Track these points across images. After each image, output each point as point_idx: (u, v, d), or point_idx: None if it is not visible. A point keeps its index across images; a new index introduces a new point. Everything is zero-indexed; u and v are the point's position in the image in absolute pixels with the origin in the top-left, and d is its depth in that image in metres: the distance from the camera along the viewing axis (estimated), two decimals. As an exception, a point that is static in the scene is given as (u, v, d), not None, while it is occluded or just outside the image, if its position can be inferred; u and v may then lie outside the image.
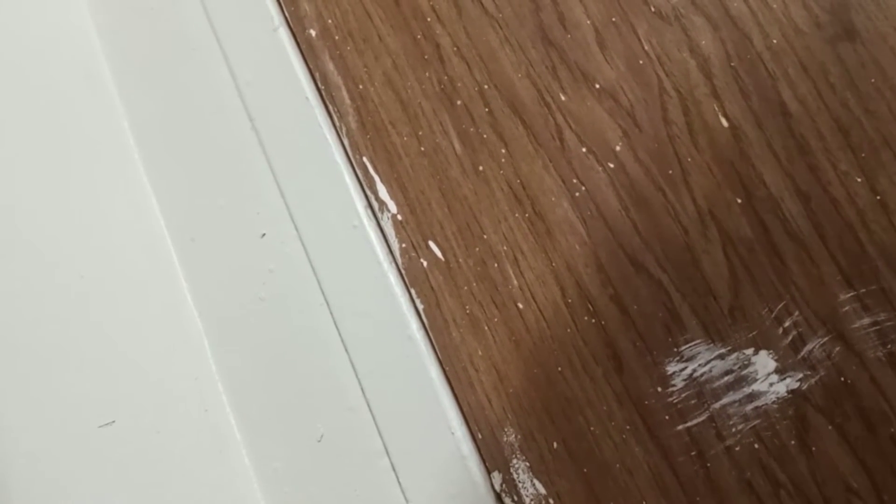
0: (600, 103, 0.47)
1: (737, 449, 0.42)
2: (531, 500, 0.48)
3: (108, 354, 0.58)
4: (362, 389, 0.54)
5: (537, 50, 0.49)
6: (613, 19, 0.47)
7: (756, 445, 0.42)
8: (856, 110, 0.41)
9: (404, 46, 0.54)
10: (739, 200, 0.43)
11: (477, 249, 0.51)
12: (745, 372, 0.42)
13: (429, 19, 0.53)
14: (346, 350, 0.55)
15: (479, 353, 0.50)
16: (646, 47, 0.46)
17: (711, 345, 0.43)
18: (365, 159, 0.55)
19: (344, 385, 0.55)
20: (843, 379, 0.40)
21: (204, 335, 0.64)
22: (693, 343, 0.44)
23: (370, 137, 0.55)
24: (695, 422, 0.43)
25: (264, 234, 0.59)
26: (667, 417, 0.44)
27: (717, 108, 0.44)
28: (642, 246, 0.45)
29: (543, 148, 0.49)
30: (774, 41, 0.42)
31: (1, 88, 0.61)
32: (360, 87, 0.56)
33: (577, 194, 0.47)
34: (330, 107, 0.57)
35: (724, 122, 0.43)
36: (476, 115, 0.51)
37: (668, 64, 0.45)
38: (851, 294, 0.40)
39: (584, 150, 0.47)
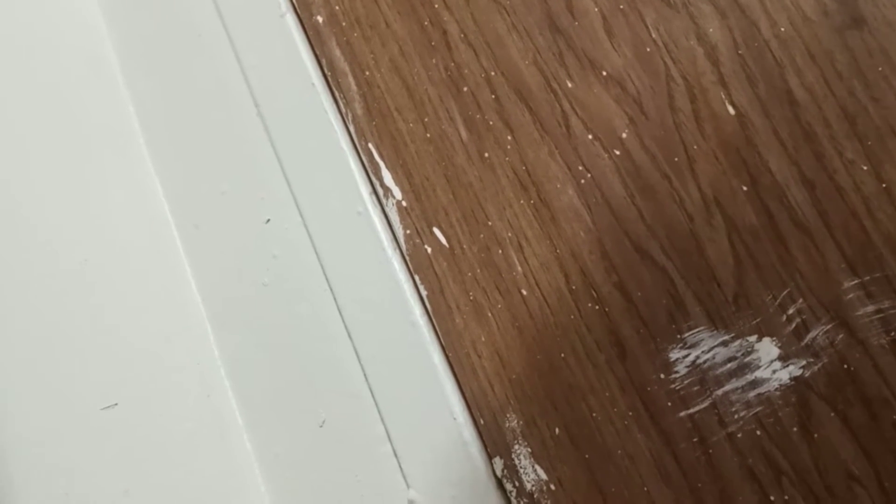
0: (607, 90, 0.47)
1: (739, 436, 0.42)
2: (532, 485, 0.48)
3: (112, 338, 0.58)
4: (365, 375, 0.54)
5: (544, 37, 0.49)
6: (621, 7, 0.47)
7: (758, 432, 0.42)
8: (862, 98, 0.41)
9: (411, 33, 0.54)
10: (745, 188, 0.43)
11: (481, 236, 0.51)
12: (748, 359, 0.42)
13: (436, 6, 0.53)
14: (349, 336, 0.55)
15: (483, 339, 0.50)
16: (653, 35, 0.46)
17: (715, 332, 0.43)
18: (370, 145, 0.55)
19: (346, 371, 0.55)
20: (846, 366, 0.40)
21: (207, 320, 0.64)
22: (696, 330, 0.44)
23: (376, 124, 0.55)
24: (697, 408, 0.44)
25: (269, 220, 0.60)
26: (669, 404, 0.44)
27: (723, 96, 0.44)
28: (647, 233, 0.45)
29: (549, 135, 0.49)
30: (782, 29, 0.43)
31: (7, 73, 0.61)
32: (367, 73, 0.56)
33: (583, 181, 0.47)
34: (336, 93, 0.57)
35: (731, 110, 0.43)
36: (482, 101, 0.51)
37: (676, 51, 0.45)
38: (856, 282, 0.40)
39: (590, 136, 0.47)
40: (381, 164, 0.55)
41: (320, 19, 0.58)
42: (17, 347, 0.52)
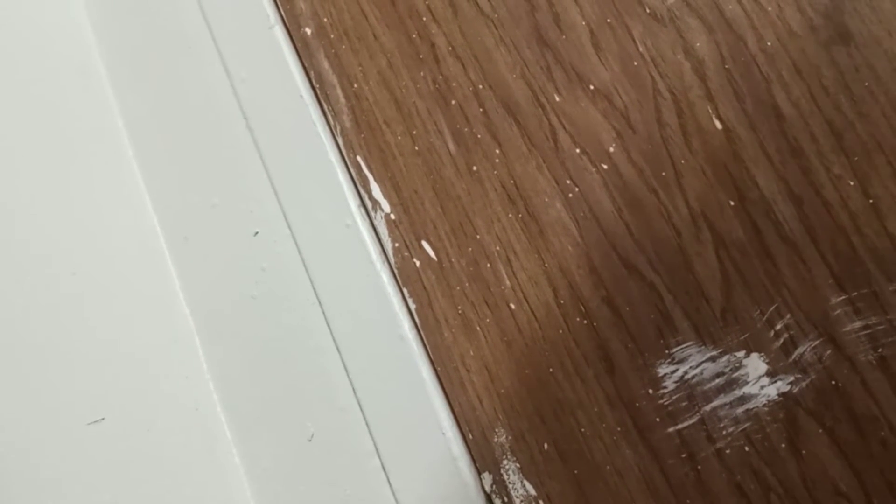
0: (594, 104, 0.47)
1: (727, 452, 0.42)
2: (521, 501, 0.48)
3: (100, 351, 0.57)
4: (353, 389, 0.54)
5: (532, 50, 0.49)
6: (608, 20, 0.47)
7: (746, 448, 0.42)
8: (849, 113, 0.41)
9: (399, 46, 0.54)
10: (732, 203, 0.43)
11: (470, 249, 0.50)
12: (736, 374, 0.42)
13: (424, 19, 0.53)
14: (338, 349, 0.55)
15: (471, 353, 0.50)
16: (640, 49, 0.46)
17: (703, 347, 0.43)
18: (359, 158, 0.55)
19: (335, 384, 0.55)
20: (833, 382, 0.40)
21: (195, 333, 0.63)
22: (684, 345, 0.44)
23: (364, 136, 0.55)
24: (685, 424, 0.43)
25: (257, 233, 0.59)
26: (657, 419, 0.44)
27: (710, 111, 0.44)
28: (635, 247, 0.45)
29: (537, 148, 0.48)
30: (769, 44, 0.42)
31: (-5, 84, 0.61)
32: (355, 85, 0.55)
33: (571, 195, 0.47)
34: (324, 105, 0.57)
35: (718, 125, 0.43)
36: (470, 115, 0.51)
37: (663, 66, 0.45)
38: (843, 297, 0.40)
39: (577, 151, 0.47)
40: (370, 176, 0.54)
41: (309, 31, 0.58)
42: (3, 359, 0.52)
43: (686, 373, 0.44)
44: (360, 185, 0.55)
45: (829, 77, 0.41)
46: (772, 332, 0.42)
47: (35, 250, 0.57)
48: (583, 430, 0.46)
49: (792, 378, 0.41)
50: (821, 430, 0.40)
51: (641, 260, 0.45)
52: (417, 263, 0.52)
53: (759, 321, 0.42)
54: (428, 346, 0.52)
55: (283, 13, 0.59)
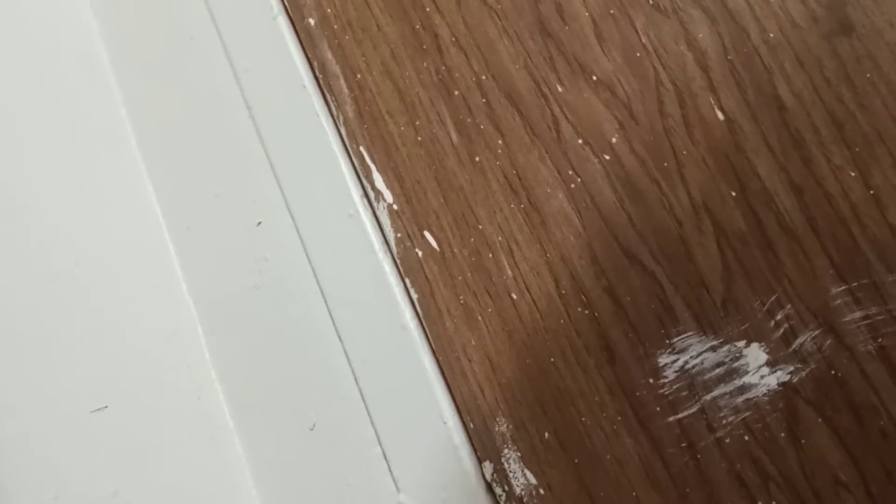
0: (597, 95, 0.47)
1: (727, 441, 0.43)
2: (522, 489, 0.48)
3: (103, 340, 0.58)
4: (355, 378, 0.54)
5: (535, 41, 0.49)
6: (612, 11, 0.47)
7: (746, 437, 0.42)
8: (851, 105, 0.41)
9: (403, 36, 0.54)
10: (734, 193, 0.43)
11: (472, 240, 0.51)
12: (736, 364, 0.43)
13: (427, 9, 0.53)
14: (340, 339, 0.55)
15: (473, 343, 0.50)
16: (643, 40, 0.46)
17: (703, 337, 0.43)
18: (362, 148, 0.55)
19: (337, 374, 0.55)
20: (833, 372, 0.40)
21: (198, 323, 0.64)
22: (685, 335, 0.44)
23: (367, 127, 0.55)
24: (686, 413, 0.44)
25: (260, 223, 0.59)
26: (658, 409, 0.44)
27: (712, 101, 0.44)
28: (636, 238, 0.45)
29: (540, 139, 0.49)
30: (771, 35, 0.43)
31: (-1, 75, 0.61)
32: (358, 76, 0.56)
33: (573, 186, 0.47)
34: (327, 96, 0.57)
35: (720, 115, 0.43)
36: (473, 105, 0.51)
37: (665, 56, 0.45)
38: (843, 288, 0.40)
39: (580, 141, 0.47)
40: (372, 167, 0.55)
41: (312, 22, 0.58)
42: (7, 348, 0.52)
43: (686, 362, 0.44)
44: (362, 175, 0.55)
45: (830, 68, 0.41)
46: (772, 322, 0.42)
47: (38, 239, 0.58)
48: (583, 419, 0.47)
49: (792, 368, 0.41)
50: (820, 420, 0.41)
51: (643, 250, 0.45)
52: (420, 253, 0.53)
53: (759, 311, 0.42)
54: (430, 336, 0.52)
55: (286, 3, 0.59)
